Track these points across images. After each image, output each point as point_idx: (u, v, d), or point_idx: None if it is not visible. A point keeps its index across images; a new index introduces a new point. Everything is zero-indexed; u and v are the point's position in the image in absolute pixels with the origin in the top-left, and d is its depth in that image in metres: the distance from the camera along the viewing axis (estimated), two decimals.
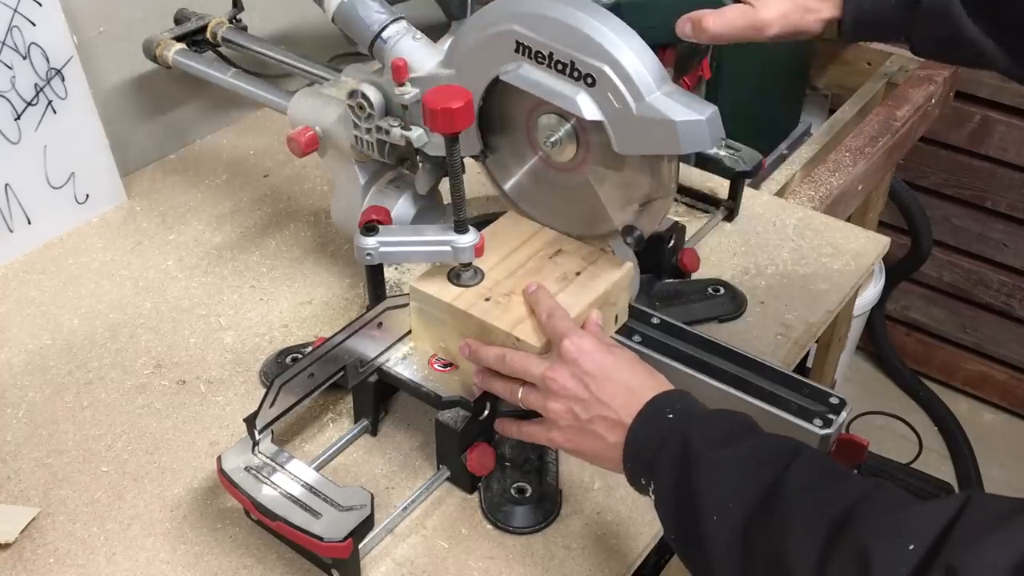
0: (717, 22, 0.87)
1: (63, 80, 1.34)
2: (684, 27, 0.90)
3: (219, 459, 0.95)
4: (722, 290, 1.26)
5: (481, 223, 1.10)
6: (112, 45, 1.45)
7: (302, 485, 0.93)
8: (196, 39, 1.44)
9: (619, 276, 1.04)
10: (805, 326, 1.24)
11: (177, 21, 1.47)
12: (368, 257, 1.01)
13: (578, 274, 1.04)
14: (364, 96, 1.08)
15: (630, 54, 0.90)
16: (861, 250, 1.37)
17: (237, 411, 1.12)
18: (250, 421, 0.95)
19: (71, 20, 1.33)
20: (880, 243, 1.40)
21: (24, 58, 1.29)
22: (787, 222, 1.42)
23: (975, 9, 0.83)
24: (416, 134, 1.06)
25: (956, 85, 2.13)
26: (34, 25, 1.29)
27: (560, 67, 0.93)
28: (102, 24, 1.43)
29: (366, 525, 0.90)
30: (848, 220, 1.54)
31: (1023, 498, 0.64)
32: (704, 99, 0.91)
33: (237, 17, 1.45)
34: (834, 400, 0.95)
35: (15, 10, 1.26)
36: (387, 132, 1.08)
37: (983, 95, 2.29)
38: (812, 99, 2.37)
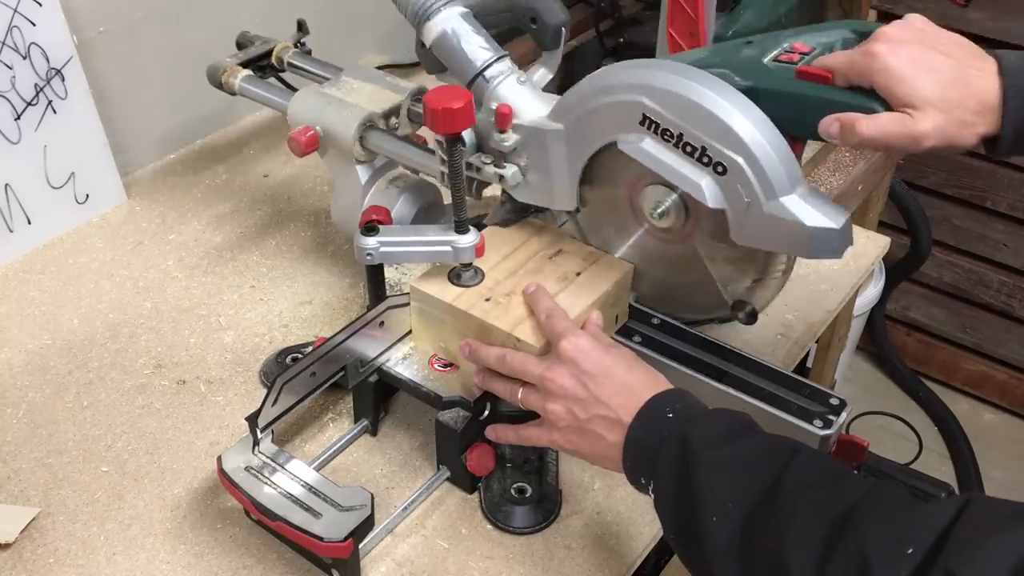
0: (871, 127, 0.81)
1: (63, 80, 1.34)
2: (831, 127, 0.84)
3: (219, 459, 0.95)
4: None
5: (481, 223, 1.10)
6: (112, 45, 1.45)
7: (302, 485, 0.93)
8: (261, 64, 1.37)
9: (619, 276, 1.04)
10: (805, 326, 1.24)
11: (240, 45, 1.39)
12: (368, 257, 1.01)
13: (578, 274, 1.04)
14: None
15: (768, 149, 0.85)
16: (861, 250, 1.37)
17: (237, 411, 1.12)
18: (252, 420, 0.95)
19: (71, 20, 1.33)
20: (880, 243, 1.40)
21: (24, 58, 1.29)
22: None
23: None
24: (511, 172, 1.02)
25: None
26: (34, 25, 1.29)
27: (689, 150, 0.88)
28: (102, 24, 1.43)
29: (366, 525, 0.90)
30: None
31: (1022, 502, 0.64)
32: (838, 205, 0.87)
33: (302, 41, 1.38)
34: (834, 401, 0.95)
35: (15, 10, 1.26)
36: (478, 170, 1.04)
37: None
38: None
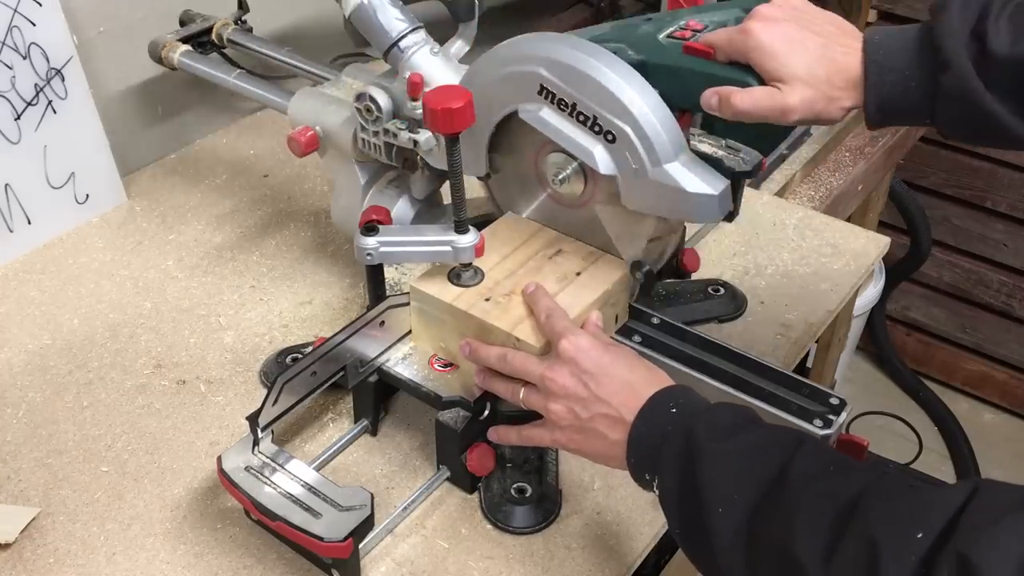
0: (744, 100, 0.87)
1: (63, 80, 1.34)
2: (711, 100, 0.89)
3: (219, 459, 0.95)
4: (722, 290, 1.26)
5: (481, 223, 1.10)
6: (112, 45, 1.45)
7: (302, 485, 0.93)
8: (201, 41, 1.44)
9: (619, 276, 1.04)
10: (805, 326, 1.24)
11: (182, 23, 1.46)
12: (368, 257, 1.01)
13: (578, 274, 1.04)
14: (372, 99, 1.08)
15: (653, 119, 0.91)
16: (861, 250, 1.37)
17: (237, 411, 1.12)
18: (253, 419, 0.95)
19: (71, 20, 1.33)
20: (880, 243, 1.40)
21: (24, 58, 1.29)
22: (787, 222, 1.42)
23: (1002, 92, 0.81)
24: (424, 137, 1.06)
25: None
26: (34, 25, 1.29)
27: (582, 118, 0.94)
28: (102, 24, 1.43)
29: (366, 525, 0.90)
30: (848, 220, 1.54)
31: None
32: (718, 172, 0.94)
33: (243, 19, 1.44)
34: (834, 400, 0.95)
35: (15, 10, 1.26)
36: (395, 135, 1.08)
37: None
38: None
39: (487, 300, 1.00)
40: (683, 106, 0.94)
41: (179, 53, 1.39)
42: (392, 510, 0.99)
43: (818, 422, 0.93)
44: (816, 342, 1.51)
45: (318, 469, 1.00)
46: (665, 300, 1.22)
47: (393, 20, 1.07)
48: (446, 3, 1.09)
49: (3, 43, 1.26)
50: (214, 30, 1.44)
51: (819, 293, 1.29)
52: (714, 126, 1.01)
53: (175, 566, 0.96)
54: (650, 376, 0.87)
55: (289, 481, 0.93)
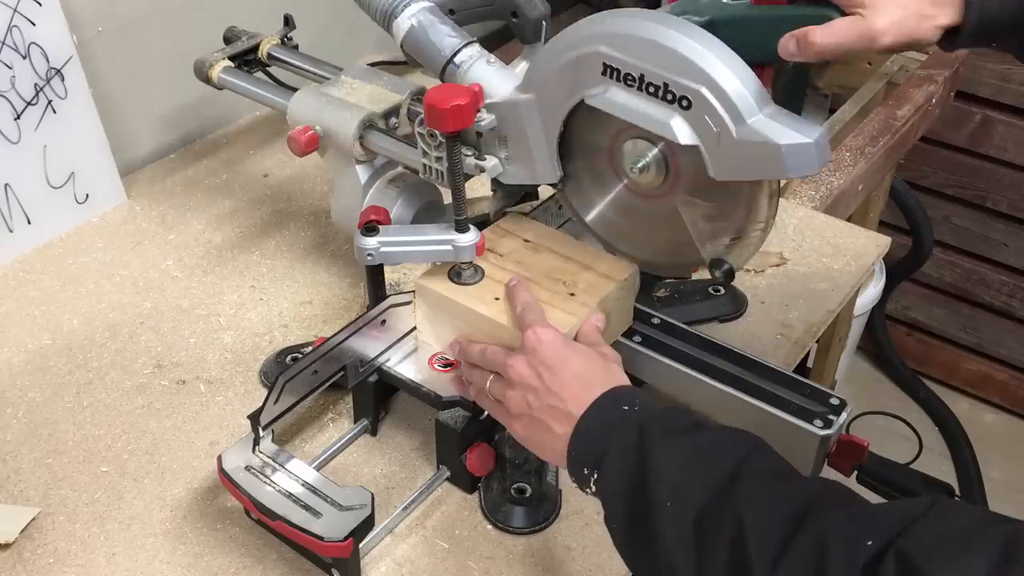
0: (825, 35, 0.81)
1: (63, 80, 1.34)
2: (788, 44, 0.84)
3: (219, 458, 0.95)
4: (722, 290, 1.26)
5: (481, 223, 1.10)
6: (112, 45, 1.45)
7: (302, 485, 0.93)
8: (248, 59, 1.37)
9: (626, 276, 1.03)
10: (805, 326, 1.24)
11: (227, 40, 1.40)
12: (368, 257, 1.00)
13: (585, 274, 1.03)
14: None
15: (729, 74, 0.83)
16: (861, 250, 1.37)
17: (237, 411, 1.12)
18: (254, 418, 0.95)
19: (71, 20, 1.33)
20: (880, 243, 1.40)
21: (24, 58, 1.29)
22: (787, 222, 1.42)
23: None
24: (491, 164, 1.02)
25: (957, 85, 2.13)
26: (34, 25, 1.29)
27: (652, 90, 0.86)
28: (102, 24, 1.43)
29: (366, 525, 0.90)
30: (848, 220, 1.54)
31: (988, 512, 0.64)
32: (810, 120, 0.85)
33: (289, 36, 1.39)
34: (834, 401, 0.95)
35: (15, 10, 1.26)
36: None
37: (984, 95, 2.29)
38: (812, 99, 2.36)
39: (496, 299, 1.00)
40: (759, 60, 0.87)
41: (219, 70, 1.31)
42: (392, 510, 0.99)
43: (818, 422, 0.93)
44: (816, 342, 1.51)
45: (318, 469, 1.00)
46: (665, 300, 1.22)
47: (445, 38, 1.04)
48: (513, 26, 1.05)
49: (3, 43, 1.26)
50: (260, 48, 1.37)
51: (819, 293, 1.29)
52: (787, 86, 0.93)
53: (175, 566, 0.96)
54: (607, 376, 0.87)
55: (289, 481, 0.93)
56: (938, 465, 2.58)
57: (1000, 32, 0.83)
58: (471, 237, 0.99)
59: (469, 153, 1.03)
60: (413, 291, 1.04)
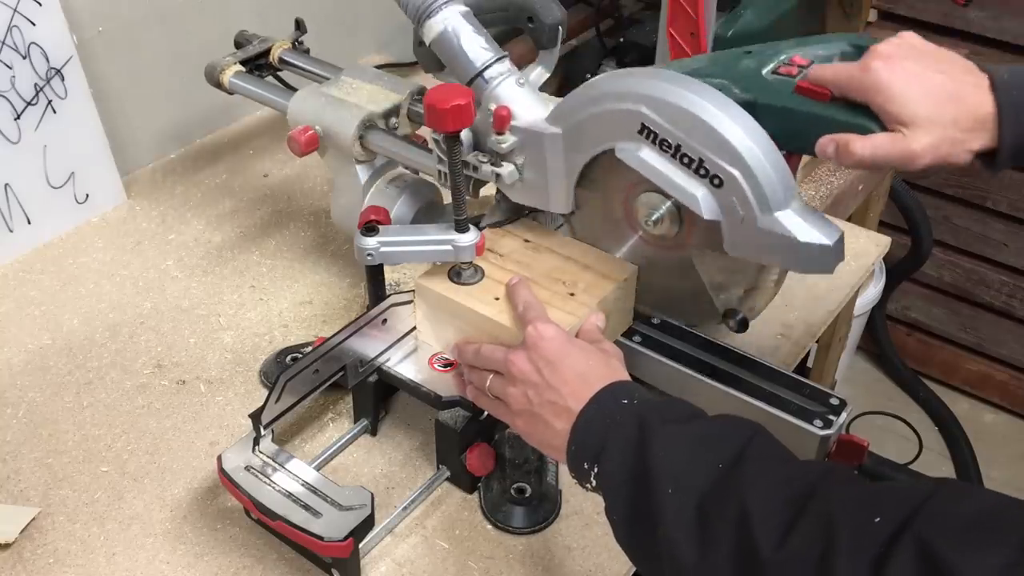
0: (865, 147, 0.82)
1: (63, 80, 1.34)
2: (828, 147, 0.84)
3: (219, 458, 0.95)
4: None
5: (479, 223, 1.10)
6: (112, 45, 1.45)
7: (302, 484, 0.93)
8: (259, 63, 1.37)
9: (626, 276, 1.03)
10: (805, 326, 1.24)
11: (238, 44, 1.39)
12: (368, 257, 1.00)
13: (584, 274, 1.03)
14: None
15: (764, 163, 0.85)
16: (861, 250, 1.37)
17: (237, 411, 1.12)
18: (255, 417, 0.95)
19: (71, 20, 1.33)
20: (880, 243, 1.40)
21: (24, 58, 1.29)
22: None
23: None
24: (507, 171, 1.01)
25: None
26: (34, 25, 1.29)
27: (686, 161, 0.88)
28: (102, 24, 1.43)
29: (366, 525, 0.90)
30: (848, 220, 1.54)
31: (1004, 496, 0.63)
32: (830, 219, 0.87)
33: (300, 40, 1.39)
34: (834, 401, 0.95)
35: (15, 10, 1.26)
36: (475, 168, 1.03)
37: None
38: None
39: (497, 299, 1.00)
40: (792, 149, 0.89)
41: (230, 75, 1.31)
42: (392, 510, 0.99)
43: (818, 422, 0.93)
44: (816, 342, 1.51)
45: (318, 469, 1.00)
46: None
47: (478, 49, 1.02)
48: (529, 31, 1.05)
49: (3, 43, 1.26)
50: (272, 52, 1.36)
51: (819, 293, 1.29)
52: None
53: (175, 566, 0.96)
54: (607, 372, 0.87)
55: (289, 480, 0.93)
56: (938, 465, 2.58)
57: None
58: (471, 237, 0.99)
59: (485, 160, 1.02)
60: (413, 291, 1.04)
